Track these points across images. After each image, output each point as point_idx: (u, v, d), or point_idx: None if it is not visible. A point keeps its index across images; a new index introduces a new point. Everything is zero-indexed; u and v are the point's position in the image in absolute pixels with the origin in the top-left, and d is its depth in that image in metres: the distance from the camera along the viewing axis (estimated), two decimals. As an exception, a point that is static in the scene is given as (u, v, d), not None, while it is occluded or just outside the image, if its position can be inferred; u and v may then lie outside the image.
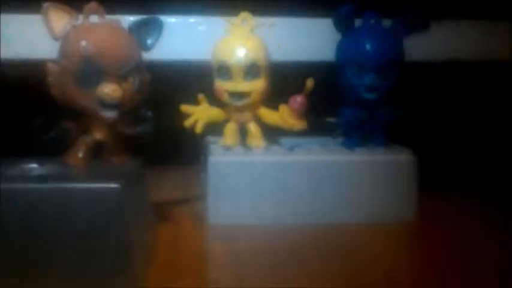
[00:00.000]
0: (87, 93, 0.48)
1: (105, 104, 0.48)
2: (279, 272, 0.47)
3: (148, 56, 0.52)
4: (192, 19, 0.66)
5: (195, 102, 0.59)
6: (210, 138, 0.62)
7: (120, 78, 0.48)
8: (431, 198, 0.62)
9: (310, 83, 0.57)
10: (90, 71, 0.47)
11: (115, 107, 0.48)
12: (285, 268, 0.48)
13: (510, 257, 0.50)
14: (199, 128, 0.59)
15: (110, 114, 0.48)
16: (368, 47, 0.58)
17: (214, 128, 0.61)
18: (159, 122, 0.52)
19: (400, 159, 0.59)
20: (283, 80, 0.58)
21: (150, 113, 0.50)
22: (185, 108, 0.59)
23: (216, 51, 0.58)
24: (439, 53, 0.72)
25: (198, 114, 0.59)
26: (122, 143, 0.50)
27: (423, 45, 0.67)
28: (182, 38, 0.65)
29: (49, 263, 0.40)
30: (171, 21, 0.65)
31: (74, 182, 0.43)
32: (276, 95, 0.60)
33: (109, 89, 0.47)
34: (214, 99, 0.59)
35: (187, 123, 0.59)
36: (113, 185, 0.41)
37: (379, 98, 0.59)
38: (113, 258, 0.41)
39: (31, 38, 0.59)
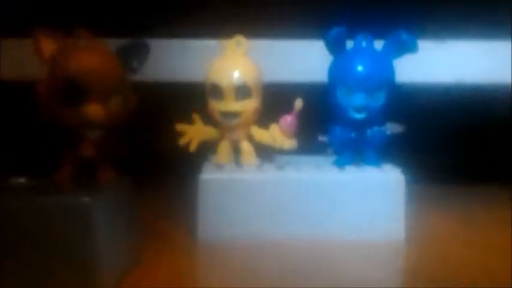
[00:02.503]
0: (72, 113, 0.48)
1: (89, 123, 0.48)
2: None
3: (147, 77, 0.53)
4: (189, 42, 0.66)
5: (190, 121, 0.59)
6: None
7: (103, 98, 0.48)
8: (423, 218, 0.60)
9: (298, 103, 0.57)
10: (75, 91, 0.47)
11: (98, 126, 0.48)
12: (270, 283, 0.47)
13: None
14: (193, 146, 0.59)
15: (93, 133, 0.48)
16: (356, 68, 0.57)
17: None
18: (155, 141, 0.52)
19: (389, 177, 0.57)
20: (276, 100, 0.58)
21: (135, 133, 0.50)
22: (180, 127, 0.59)
23: (209, 73, 0.58)
24: (442, 74, 0.70)
25: (193, 132, 0.59)
26: (108, 160, 0.50)
27: (425, 66, 0.66)
28: (179, 60, 0.65)
29: (16, 274, 0.40)
30: (169, 44, 0.65)
31: (46, 195, 0.43)
32: (269, 115, 0.59)
33: (91, 109, 0.47)
34: (209, 119, 0.59)
35: (182, 141, 0.59)
36: (84, 200, 0.41)
37: (368, 118, 0.57)
38: (82, 272, 0.41)
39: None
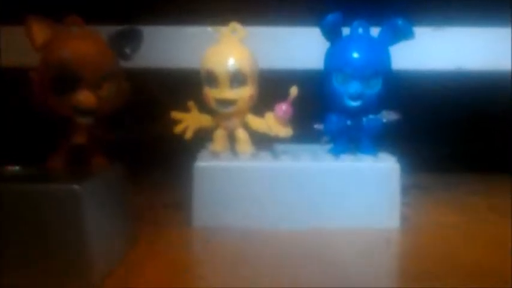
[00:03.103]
0: (64, 101, 0.47)
1: (80, 111, 0.47)
2: (260, 276, 0.45)
3: (141, 64, 0.52)
4: (187, 29, 0.65)
5: (186, 109, 0.58)
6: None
7: (95, 85, 0.47)
8: (418, 207, 0.59)
9: (294, 90, 0.56)
10: (66, 78, 0.47)
11: (90, 113, 0.48)
12: (265, 271, 0.46)
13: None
14: (189, 134, 0.58)
15: (84, 120, 0.48)
16: (352, 55, 0.56)
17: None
18: (151, 128, 0.51)
19: (384, 166, 0.57)
20: (272, 87, 0.57)
21: (129, 120, 0.50)
22: (176, 115, 0.58)
23: (204, 60, 0.57)
24: (442, 61, 0.69)
25: (188, 120, 0.58)
26: (101, 147, 0.50)
27: (426, 53, 0.65)
28: (175, 47, 0.64)
29: (7, 261, 0.40)
30: (166, 31, 0.64)
31: (36, 183, 0.42)
32: (265, 103, 0.58)
33: (83, 96, 0.47)
34: (204, 107, 0.58)
35: (178, 129, 0.58)
36: (73, 187, 0.41)
37: (363, 106, 0.57)
38: (71, 258, 0.41)
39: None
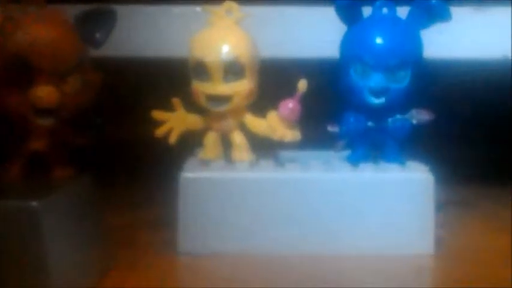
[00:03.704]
0: (20, 97, 0.48)
1: (40, 110, 0.48)
2: None
3: (114, 52, 0.52)
4: (168, 8, 0.66)
5: (170, 107, 0.59)
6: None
7: (58, 78, 0.48)
8: (456, 226, 0.59)
9: (302, 85, 0.56)
10: (23, 70, 0.47)
11: (51, 113, 0.48)
12: None
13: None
14: (173, 138, 0.58)
15: (45, 121, 0.48)
16: (374, 41, 0.56)
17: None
18: (127, 132, 0.52)
19: (414, 178, 0.57)
20: (274, 81, 0.57)
21: (99, 120, 0.50)
22: (158, 114, 0.58)
23: (192, 47, 0.58)
24: (485, 48, 0.69)
25: (173, 121, 0.59)
26: (64, 154, 0.50)
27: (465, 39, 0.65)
28: (153, 31, 0.65)
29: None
30: (140, 10, 0.65)
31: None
32: (267, 100, 0.59)
33: (43, 92, 0.47)
34: (193, 105, 0.59)
35: (160, 132, 0.58)
36: (31, 203, 0.41)
37: (388, 103, 0.57)
38: (28, 279, 0.41)
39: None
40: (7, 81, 0.48)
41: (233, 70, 0.57)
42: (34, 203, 0.41)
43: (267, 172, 0.57)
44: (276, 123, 0.58)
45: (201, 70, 0.57)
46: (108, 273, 0.50)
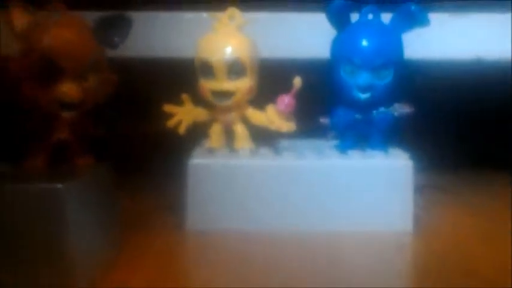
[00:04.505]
0: (45, 92, 0.48)
1: (64, 104, 0.48)
2: (259, 282, 0.46)
3: (130, 53, 0.53)
4: (178, 15, 0.66)
5: (179, 102, 0.59)
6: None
7: (79, 76, 0.48)
8: (432, 207, 0.59)
9: (297, 82, 0.57)
10: (48, 68, 0.47)
11: (74, 107, 0.48)
12: (265, 276, 0.46)
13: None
14: (182, 129, 0.59)
15: (68, 114, 0.49)
16: (360, 44, 0.57)
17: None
18: (142, 123, 0.52)
19: (396, 164, 0.57)
20: (274, 78, 0.57)
21: (114, 114, 0.50)
22: (168, 108, 0.59)
23: (199, 48, 0.58)
24: (460, 50, 0.69)
25: (182, 114, 0.59)
26: (85, 144, 0.51)
27: (442, 42, 0.65)
28: (166, 34, 0.65)
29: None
30: (154, 16, 0.65)
31: (17, 182, 0.43)
32: (266, 95, 0.59)
33: (67, 88, 0.48)
34: (200, 100, 0.59)
35: (170, 123, 0.59)
36: (57, 186, 0.41)
37: (373, 98, 0.57)
38: (54, 260, 0.41)
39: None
40: (35, 79, 0.48)
41: (235, 69, 0.57)
42: (59, 186, 0.42)
43: (266, 159, 0.58)
44: (274, 116, 0.58)
45: (207, 69, 0.57)
46: (123, 252, 0.51)
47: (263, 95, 0.59)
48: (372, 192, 0.57)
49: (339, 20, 0.58)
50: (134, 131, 0.64)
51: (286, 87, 0.57)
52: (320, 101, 0.59)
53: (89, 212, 0.45)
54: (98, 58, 0.50)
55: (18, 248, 0.41)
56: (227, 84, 0.57)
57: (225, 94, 0.57)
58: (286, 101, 0.57)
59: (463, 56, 0.68)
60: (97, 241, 0.47)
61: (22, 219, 0.41)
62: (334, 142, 0.61)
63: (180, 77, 0.58)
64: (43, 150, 0.50)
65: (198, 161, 0.57)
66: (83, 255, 0.43)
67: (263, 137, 0.60)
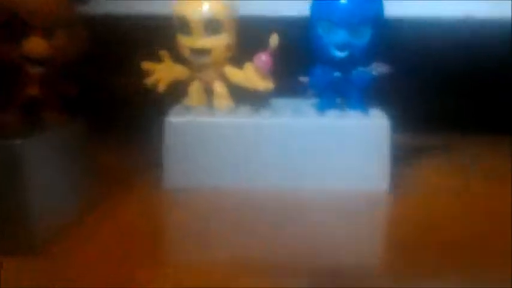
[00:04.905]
0: (13, 48, 0.46)
1: (31, 60, 0.46)
2: (232, 237, 0.44)
3: (105, 10, 0.50)
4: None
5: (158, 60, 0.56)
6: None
7: (47, 32, 0.46)
8: (408, 168, 0.57)
9: (274, 39, 0.53)
10: (15, 23, 0.45)
11: (42, 63, 0.46)
12: (238, 233, 0.45)
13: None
14: (162, 87, 0.56)
15: (36, 70, 0.46)
16: (338, 1, 0.53)
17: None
18: (120, 81, 0.50)
19: (373, 123, 0.54)
20: (255, 36, 0.54)
21: (85, 70, 0.48)
22: (147, 65, 0.56)
23: (176, 5, 0.55)
24: (439, 7, 0.65)
25: (161, 72, 0.56)
26: (57, 100, 0.48)
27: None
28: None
29: None
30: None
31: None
32: (247, 53, 0.56)
33: (33, 44, 0.45)
34: (179, 57, 0.56)
35: (149, 81, 0.56)
36: (14, 142, 0.39)
37: (351, 57, 0.54)
38: (12, 216, 0.40)
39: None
40: (4, 35, 0.45)
41: (212, 26, 0.54)
42: (17, 142, 0.40)
43: (242, 117, 0.55)
44: (252, 74, 0.55)
45: (184, 26, 0.54)
46: (98, 207, 0.49)
47: (243, 54, 0.56)
48: (348, 151, 0.54)
49: (319, -23, 0.54)
50: (116, 88, 0.61)
51: (266, 46, 0.54)
52: (300, 59, 0.56)
53: (53, 167, 0.43)
54: (68, 14, 0.47)
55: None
56: (204, 42, 0.54)
57: (202, 51, 0.55)
58: (263, 58, 0.54)
59: (451, 13, 0.64)
60: (64, 198, 0.45)
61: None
62: (313, 101, 0.58)
63: (160, 34, 0.56)
64: (13, 105, 0.47)
65: (174, 118, 0.54)
66: (43, 212, 0.41)
67: (243, 95, 0.57)
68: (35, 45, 0.45)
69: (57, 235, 0.42)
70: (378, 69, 0.55)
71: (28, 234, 0.40)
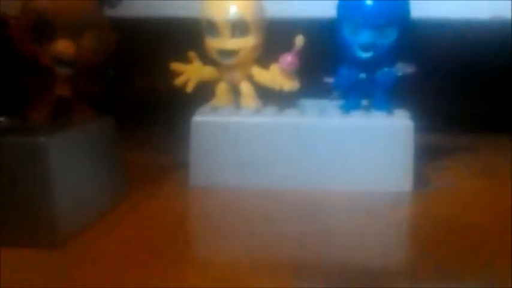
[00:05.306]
0: (43, 50, 0.45)
1: (60, 61, 0.45)
2: (254, 236, 0.43)
3: (140, 12, 0.49)
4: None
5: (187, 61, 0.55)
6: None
7: (75, 34, 0.45)
8: (433, 169, 0.54)
9: (299, 40, 0.52)
10: (44, 26, 0.45)
11: (70, 64, 0.45)
12: (261, 231, 0.44)
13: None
14: (190, 87, 0.55)
15: (64, 71, 0.46)
16: (363, 1, 0.51)
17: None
18: (151, 82, 0.49)
19: (396, 123, 0.52)
20: (282, 38, 0.53)
21: (112, 72, 0.47)
22: (176, 66, 0.55)
23: (204, 7, 0.54)
24: (468, 8, 0.62)
25: (190, 72, 0.55)
26: (86, 100, 0.48)
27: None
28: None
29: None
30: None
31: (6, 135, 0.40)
32: (274, 54, 0.54)
33: (62, 46, 0.45)
34: (208, 58, 0.55)
35: (178, 81, 0.55)
36: (40, 140, 0.38)
37: (376, 57, 0.52)
38: (36, 212, 0.39)
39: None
40: (33, 37, 0.45)
41: (240, 28, 0.53)
42: (42, 139, 0.39)
43: (268, 117, 0.54)
44: (277, 75, 0.54)
45: (212, 28, 0.53)
46: (123, 204, 0.48)
47: (270, 55, 0.54)
48: (372, 151, 0.52)
49: (345, -22, 0.53)
50: (145, 89, 0.61)
51: (292, 47, 0.52)
52: (325, 60, 0.54)
53: (79, 164, 0.42)
54: (96, 17, 0.46)
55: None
56: (231, 43, 0.53)
57: (229, 53, 0.53)
58: (288, 59, 0.53)
59: (478, 15, 0.61)
60: (89, 194, 0.44)
61: (5, 172, 0.38)
62: (338, 102, 0.56)
63: (188, 36, 0.54)
64: (44, 105, 0.47)
65: (201, 118, 0.53)
66: (67, 208, 0.40)
67: (269, 96, 0.55)
68: (64, 47, 0.45)
69: (81, 229, 0.41)
70: (402, 69, 0.52)
71: (51, 228, 0.39)
